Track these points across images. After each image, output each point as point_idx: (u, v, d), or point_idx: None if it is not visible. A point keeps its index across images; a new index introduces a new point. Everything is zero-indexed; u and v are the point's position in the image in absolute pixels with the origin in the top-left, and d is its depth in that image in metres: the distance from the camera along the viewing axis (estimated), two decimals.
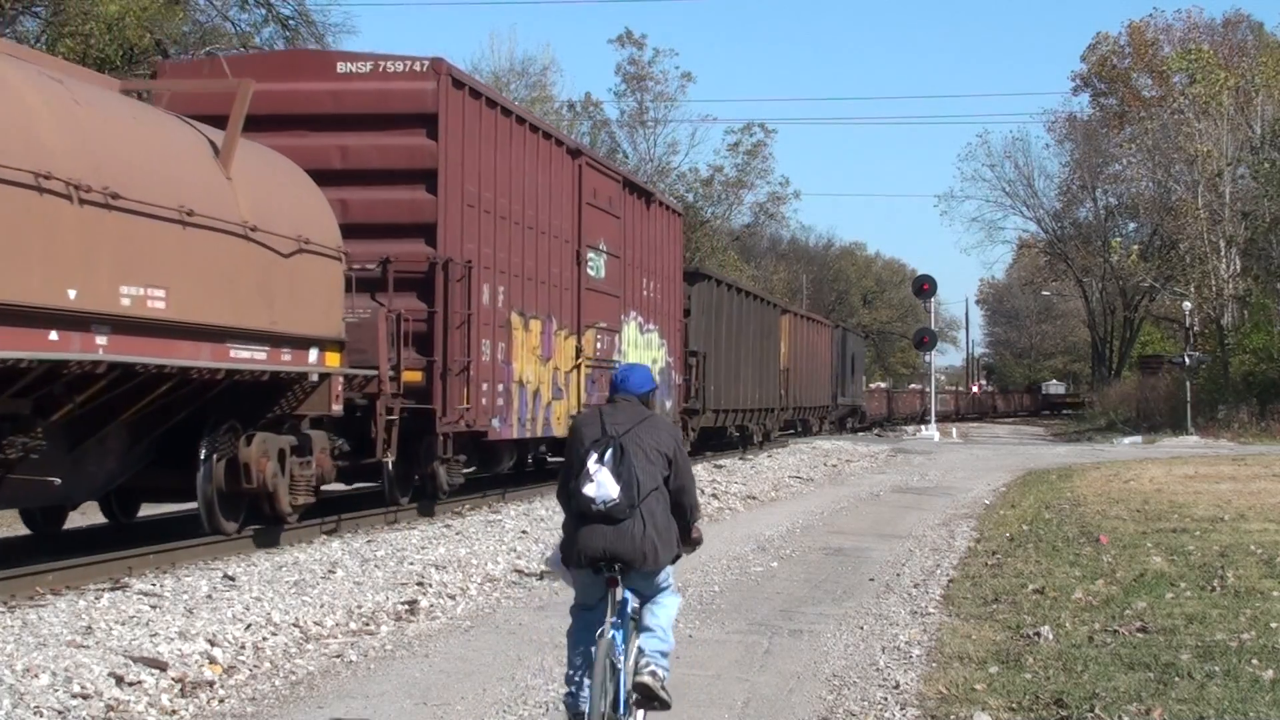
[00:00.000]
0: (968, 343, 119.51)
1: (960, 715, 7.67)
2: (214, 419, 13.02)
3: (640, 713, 6.42)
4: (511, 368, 18.60)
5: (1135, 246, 64.20)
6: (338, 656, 9.18)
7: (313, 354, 13.84)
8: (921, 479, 27.75)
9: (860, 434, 53.89)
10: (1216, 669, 8.57)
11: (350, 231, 15.44)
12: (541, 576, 12.81)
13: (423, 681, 8.50)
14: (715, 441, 35.15)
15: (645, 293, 25.47)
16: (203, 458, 12.86)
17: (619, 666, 6.17)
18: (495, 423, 18.06)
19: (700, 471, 26.76)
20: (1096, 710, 7.60)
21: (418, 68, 16.69)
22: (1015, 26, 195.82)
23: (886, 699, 8.14)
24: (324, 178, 15.41)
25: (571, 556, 6.20)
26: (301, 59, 18.48)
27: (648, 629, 6.43)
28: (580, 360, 21.30)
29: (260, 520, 13.77)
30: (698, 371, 29.70)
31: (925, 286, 53.12)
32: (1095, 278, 75.89)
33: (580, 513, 6.15)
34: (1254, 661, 8.79)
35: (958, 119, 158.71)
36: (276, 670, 8.73)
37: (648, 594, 6.39)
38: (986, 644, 9.60)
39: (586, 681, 6.10)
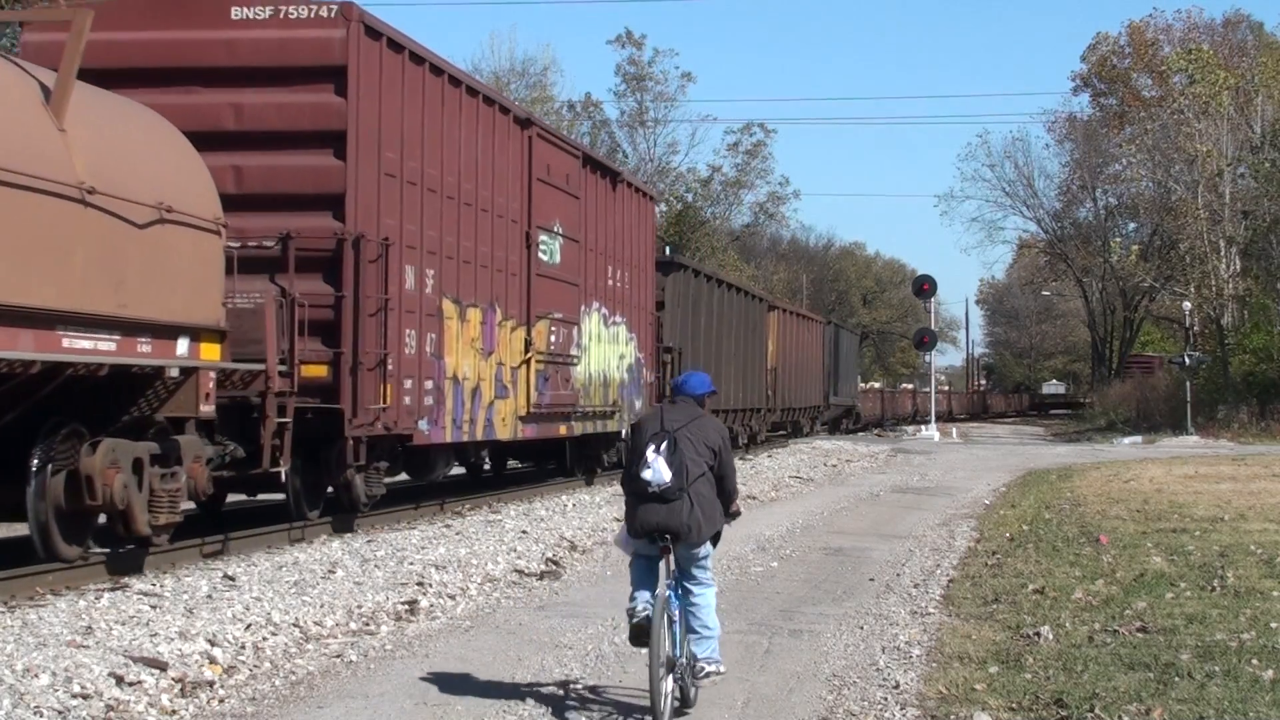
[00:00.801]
0: (968, 343, 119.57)
1: (960, 715, 7.67)
2: (52, 422, 10.72)
3: (695, 689, 7.75)
4: (443, 362, 16.31)
5: (1135, 246, 64.25)
6: (338, 656, 9.19)
7: (182, 344, 11.61)
8: (921, 479, 27.75)
9: (860, 434, 53.76)
10: (1216, 669, 8.57)
11: (245, 203, 13.75)
12: (541, 577, 12.82)
13: (423, 681, 8.50)
14: None
15: (610, 282, 23.00)
16: (34, 469, 10.54)
17: (674, 619, 7.47)
18: (423, 425, 15.80)
19: None
20: (1096, 710, 7.60)
21: (324, 13, 14.50)
22: (1015, 26, 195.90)
23: (886, 699, 8.14)
24: (216, 140, 13.65)
25: (632, 529, 7.47)
26: (190, 2, 15.01)
27: (694, 631, 7.58)
28: (530, 355, 18.95)
29: (124, 542, 11.74)
30: (672, 369, 27.13)
31: (925, 286, 53.14)
32: (1095, 278, 75.91)
33: (639, 493, 7.39)
34: (1254, 661, 8.80)
35: (958, 119, 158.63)
36: (276, 670, 8.73)
37: (688, 565, 7.52)
38: (986, 644, 9.61)
39: (663, 629, 7.32)
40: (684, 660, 7.49)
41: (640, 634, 7.35)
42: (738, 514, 7.91)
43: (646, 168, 65.97)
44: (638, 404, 24.44)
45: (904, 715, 7.76)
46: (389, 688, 8.32)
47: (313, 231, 14.35)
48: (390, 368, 14.94)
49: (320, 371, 14.22)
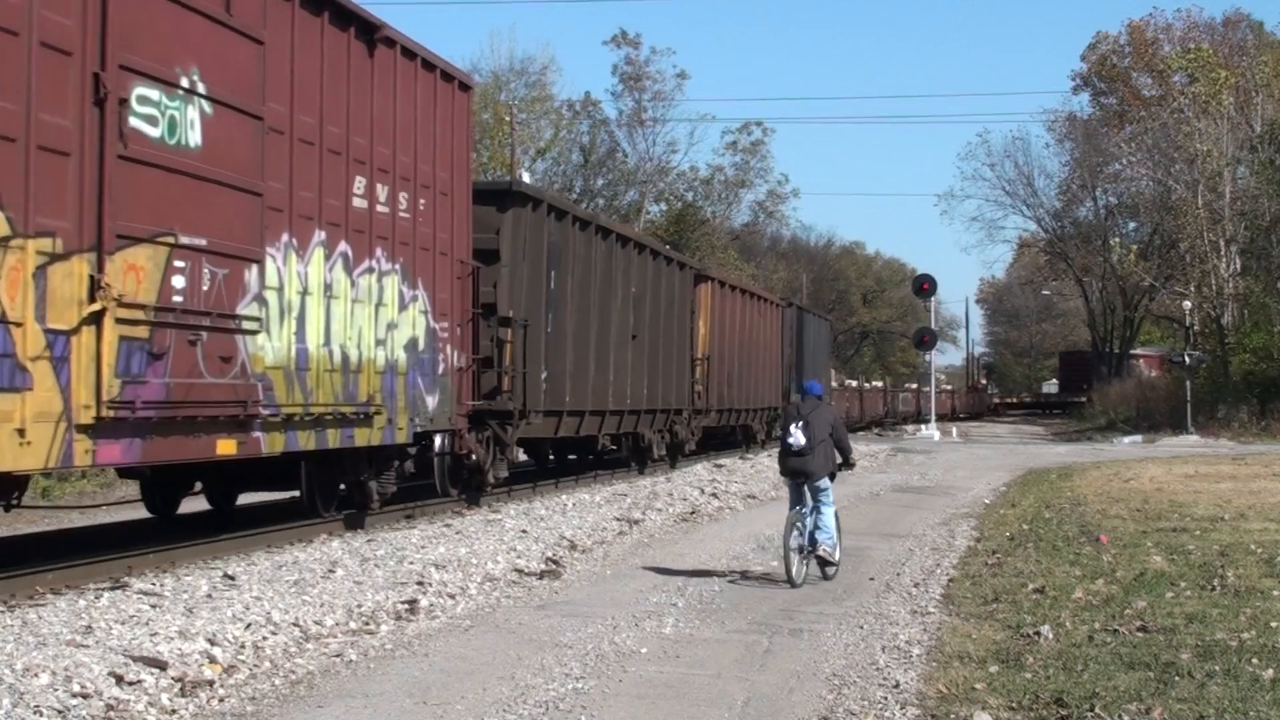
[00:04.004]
0: (968, 342, 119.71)
1: (960, 714, 7.66)
2: None
3: (818, 568, 12.74)
4: None
5: (1135, 246, 64.24)
6: (338, 656, 9.19)
7: None
8: (922, 478, 27.74)
9: (859, 434, 53.63)
10: (1216, 668, 8.57)
11: None
12: (541, 576, 12.83)
13: (423, 681, 8.50)
14: (593, 459, 25.83)
15: (363, 204, 14.48)
16: None
17: (807, 526, 12.47)
18: None
19: (699, 472, 26.67)
20: (1096, 710, 7.60)
21: None
22: (1015, 26, 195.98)
23: (886, 698, 8.14)
24: None
25: (783, 471, 12.64)
26: None
27: (819, 528, 12.53)
28: (103, 305, 10.35)
29: None
30: (516, 350, 18.81)
31: (925, 286, 53.13)
32: (1095, 277, 75.98)
33: (787, 451, 12.41)
34: (1254, 661, 8.79)
35: (958, 119, 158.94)
36: (276, 669, 8.73)
37: (815, 492, 12.50)
38: (986, 643, 9.61)
39: (794, 532, 12.35)
40: (809, 547, 12.47)
41: (789, 531, 12.44)
42: (853, 465, 13.12)
43: (646, 167, 65.99)
44: (432, 402, 16.21)
45: (904, 714, 7.76)
46: (389, 687, 8.32)
47: None
48: None
49: None
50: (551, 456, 25.09)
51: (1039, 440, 52.91)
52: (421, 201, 15.91)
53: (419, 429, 15.90)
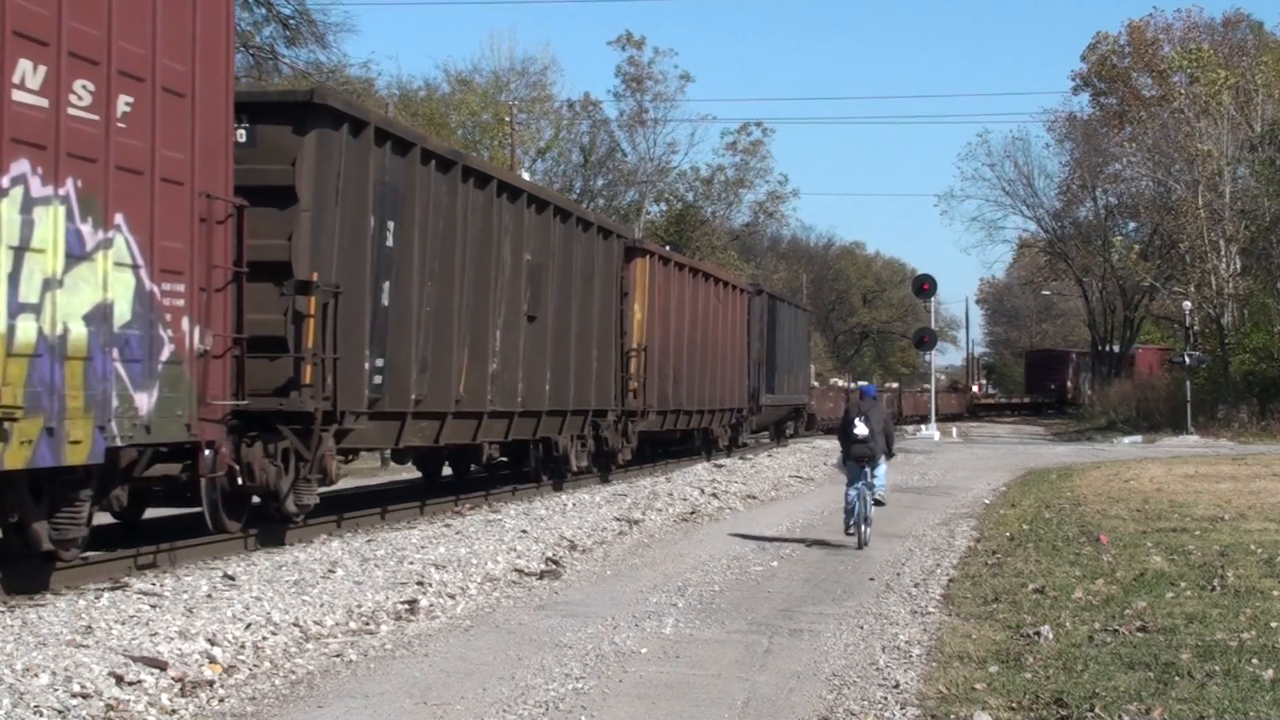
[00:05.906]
0: (968, 342, 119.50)
1: (960, 715, 7.67)
2: None
3: (873, 511, 15.63)
4: None
5: (1135, 246, 64.22)
6: (338, 656, 9.19)
7: None
8: (922, 478, 27.74)
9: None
10: (1216, 668, 8.57)
11: None
12: (541, 576, 12.84)
13: (423, 681, 8.50)
14: (508, 474, 21.92)
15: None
16: None
17: (869, 499, 15.37)
18: None
19: (698, 472, 26.66)
20: (1096, 710, 7.60)
21: None
22: (1015, 26, 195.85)
23: (886, 698, 8.14)
24: None
25: (847, 457, 15.47)
26: None
27: (875, 477, 15.50)
28: None
29: None
30: (322, 325, 13.69)
31: (925, 286, 53.00)
32: (1095, 277, 75.93)
33: (852, 440, 15.32)
34: (1254, 661, 8.80)
35: (958, 119, 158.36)
36: (276, 670, 8.74)
37: (873, 468, 15.39)
38: (986, 643, 9.61)
39: (855, 503, 15.28)
40: (869, 516, 15.38)
41: (850, 511, 15.35)
42: (893, 454, 16.38)
43: (646, 167, 65.98)
44: (145, 401, 10.72)
45: (904, 715, 7.76)
46: (389, 687, 8.32)
47: None
48: None
49: None
50: (449, 471, 21.52)
51: (1039, 440, 52.90)
52: (126, 99, 10.50)
53: (120, 442, 10.50)
